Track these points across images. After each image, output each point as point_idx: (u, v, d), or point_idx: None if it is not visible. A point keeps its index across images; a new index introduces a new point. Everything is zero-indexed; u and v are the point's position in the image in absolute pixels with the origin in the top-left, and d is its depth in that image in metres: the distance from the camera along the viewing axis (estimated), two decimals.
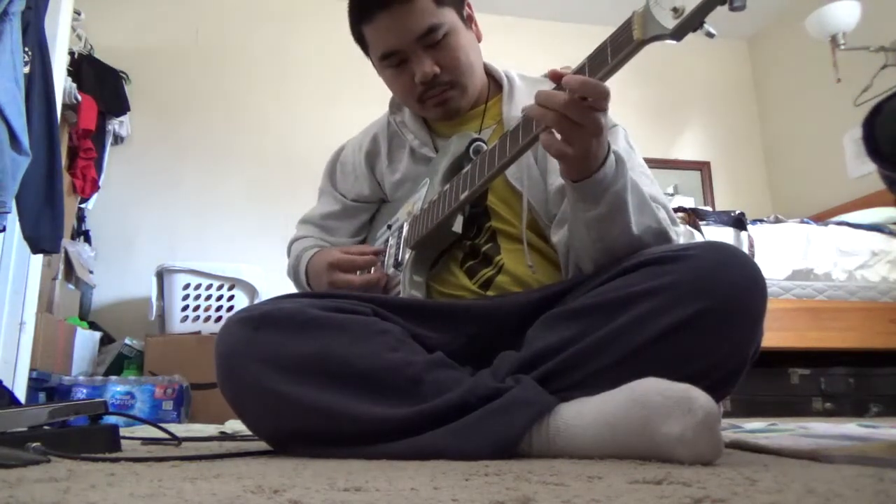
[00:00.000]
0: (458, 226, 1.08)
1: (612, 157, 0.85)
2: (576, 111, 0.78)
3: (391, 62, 1.10)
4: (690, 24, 0.72)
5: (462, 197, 1.00)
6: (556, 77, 0.82)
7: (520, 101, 1.12)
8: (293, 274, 1.28)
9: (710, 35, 0.73)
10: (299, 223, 1.37)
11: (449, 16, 1.08)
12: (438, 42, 1.07)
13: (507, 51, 3.65)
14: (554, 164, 1.05)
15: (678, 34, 0.73)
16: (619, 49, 0.78)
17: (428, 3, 1.05)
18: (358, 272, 1.16)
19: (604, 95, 0.78)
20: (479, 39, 1.16)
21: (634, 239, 0.89)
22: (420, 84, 1.09)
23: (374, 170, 1.27)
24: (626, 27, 0.78)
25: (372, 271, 1.18)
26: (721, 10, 0.72)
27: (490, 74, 1.21)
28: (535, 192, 1.06)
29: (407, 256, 1.10)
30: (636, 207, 0.88)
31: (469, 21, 1.15)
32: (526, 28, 3.97)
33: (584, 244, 0.92)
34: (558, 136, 0.81)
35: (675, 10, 0.72)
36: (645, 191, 0.92)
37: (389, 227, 1.21)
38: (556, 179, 1.05)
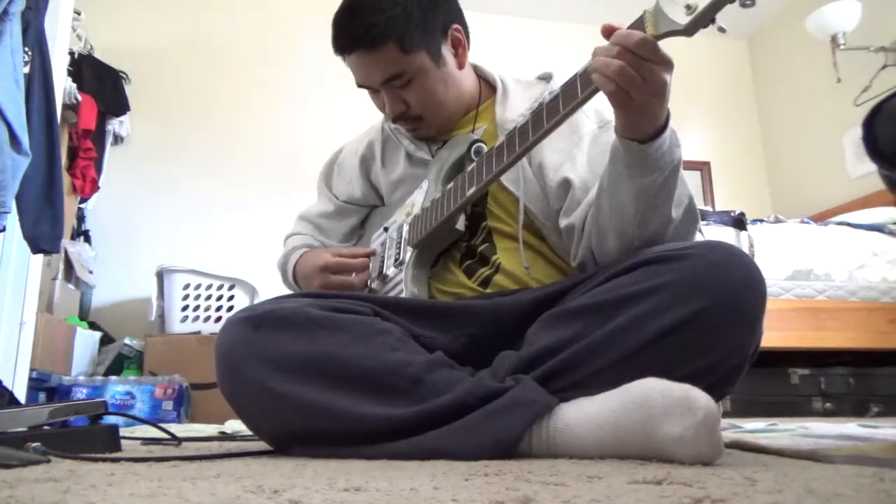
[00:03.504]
0: (460, 224, 1.09)
1: (669, 127, 0.85)
2: (633, 60, 0.77)
3: (366, 89, 1.14)
4: (703, 20, 0.75)
5: (469, 193, 1.01)
6: (608, 30, 0.81)
7: (513, 104, 1.14)
8: (281, 272, 1.30)
9: (721, 30, 0.75)
10: (297, 218, 1.39)
11: (417, 60, 1.08)
12: (405, 85, 1.09)
13: (507, 51, 3.66)
14: (550, 163, 1.06)
15: (690, 30, 0.76)
16: None
17: (394, 50, 1.06)
18: (354, 274, 1.17)
19: (642, 44, 0.76)
20: (460, 67, 1.15)
21: (670, 216, 0.89)
22: (390, 114, 1.14)
23: (369, 174, 1.29)
24: (637, 24, 0.80)
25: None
26: (723, 10, 0.74)
27: (483, 78, 1.22)
28: (530, 193, 1.07)
29: (408, 255, 1.10)
30: (680, 181, 0.89)
31: (455, 46, 1.13)
32: (526, 28, 3.97)
33: (623, 216, 0.90)
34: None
35: (688, 7, 0.75)
36: None
37: (386, 229, 1.22)
38: (554, 175, 1.05)
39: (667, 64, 0.79)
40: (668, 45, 0.79)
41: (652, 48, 0.77)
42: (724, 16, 0.76)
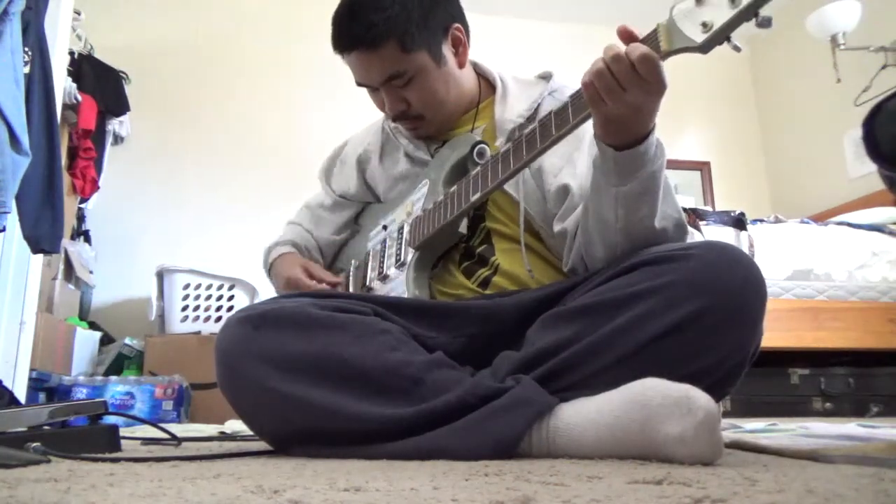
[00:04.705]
0: (463, 227, 1.09)
1: (653, 138, 0.85)
2: (621, 70, 0.78)
3: (366, 88, 1.14)
4: (719, 38, 0.75)
5: (473, 198, 1.01)
6: (625, 32, 0.81)
7: (513, 103, 1.14)
8: (264, 259, 1.34)
9: (736, 49, 0.75)
10: (302, 205, 1.43)
11: (418, 59, 1.08)
12: (406, 84, 1.09)
13: (507, 52, 3.65)
14: (549, 167, 1.06)
15: (706, 47, 0.76)
16: None
17: (394, 50, 1.06)
18: None
19: (643, 60, 0.77)
20: (461, 66, 1.15)
21: (655, 228, 0.89)
22: (390, 113, 1.14)
23: (365, 174, 1.30)
24: (651, 38, 0.79)
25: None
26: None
27: (483, 76, 1.21)
28: (529, 196, 1.07)
29: (409, 257, 1.10)
30: (664, 194, 0.89)
31: (455, 45, 1.13)
32: (526, 28, 3.96)
33: (606, 224, 0.90)
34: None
35: (704, 24, 0.75)
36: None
37: (385, 227, 1.22)
38: (552, 180, 1.05)
39: (660, 85, 0.79)
40: None
41: (651, 66, 0.77)
42: None
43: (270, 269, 1.30)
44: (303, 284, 1.20)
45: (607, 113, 0.81)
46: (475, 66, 1.22)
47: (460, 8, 1.16)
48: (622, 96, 0.79)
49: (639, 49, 0.77)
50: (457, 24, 1.13)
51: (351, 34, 1.07)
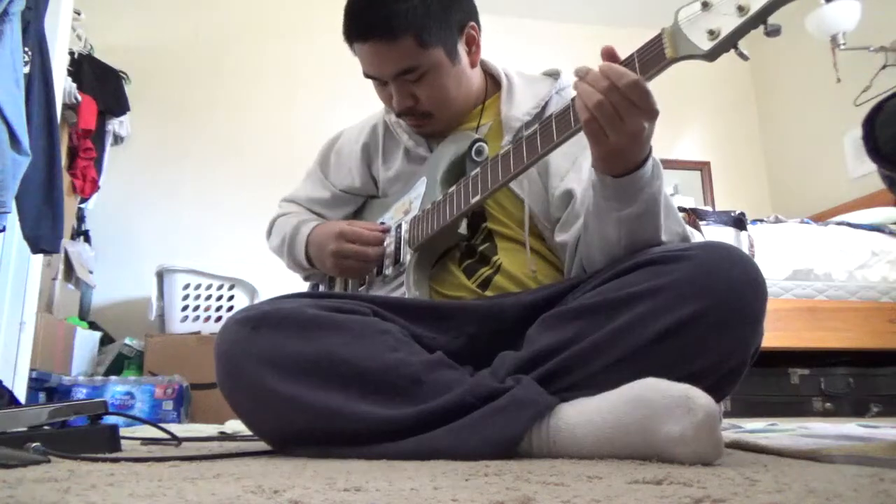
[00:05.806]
0: (463, 227, 1.08)
1: (651, 160, 0.86)
2: (618, 100, 0.77)
3: (373, 81, 1.12)
4: (726, 46, 0.74)
5: (473, 201, 1.00)
6: (609, 53, 0.81)
7: (519, 101, 1.12)
8: (287, 246, 1.26)
9: (743, 57, 0.74)
10: (283, 201, 1.36)
11: (433, 55, 1.06)
12: (418, 79, 1.08)
13: (507, 51, 3.65)
14: (555, 168, 1.05)
15: (712, 55, 0.75)
16: (648, 65, 0.78)
17: (411, 43, 1.04)
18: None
19: (633, 87, 0.76)
20: (473, 65, 1.14)
21: (661, 243, 0.89)
22: (396, 108, 1.12)
23: (371, 165, 1.27)
24: (655, 43, 0.78)
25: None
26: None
27: (489, 73, 1.21)
28: (535, 197, 1.06)
29: (409, 257, 1.10)
30: (666, 211, 0.89)
31: (469, 44, 1.12)
32: (526, 28, 3.96)
33: (609, 243, 0.91)
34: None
35: (710, 32, 0.74)
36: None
37: (382, 224, 1.21)
38: (558, 184, 1.04)
39: (652, 112, 0.79)
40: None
41: (641, 94, 0.77)
42: None
43: (308, 244, 1.21)
44: (361, 234, 1.14)
45: (609, 146, 0.81)
46: (481, 63, 1.20)
47: (475, 7, 1.14)
48: (622, 126, 0.79)
49: (626, 77, 0.77)
50: (472, 23, 1.12)
51: (368, 23, 1.05)
